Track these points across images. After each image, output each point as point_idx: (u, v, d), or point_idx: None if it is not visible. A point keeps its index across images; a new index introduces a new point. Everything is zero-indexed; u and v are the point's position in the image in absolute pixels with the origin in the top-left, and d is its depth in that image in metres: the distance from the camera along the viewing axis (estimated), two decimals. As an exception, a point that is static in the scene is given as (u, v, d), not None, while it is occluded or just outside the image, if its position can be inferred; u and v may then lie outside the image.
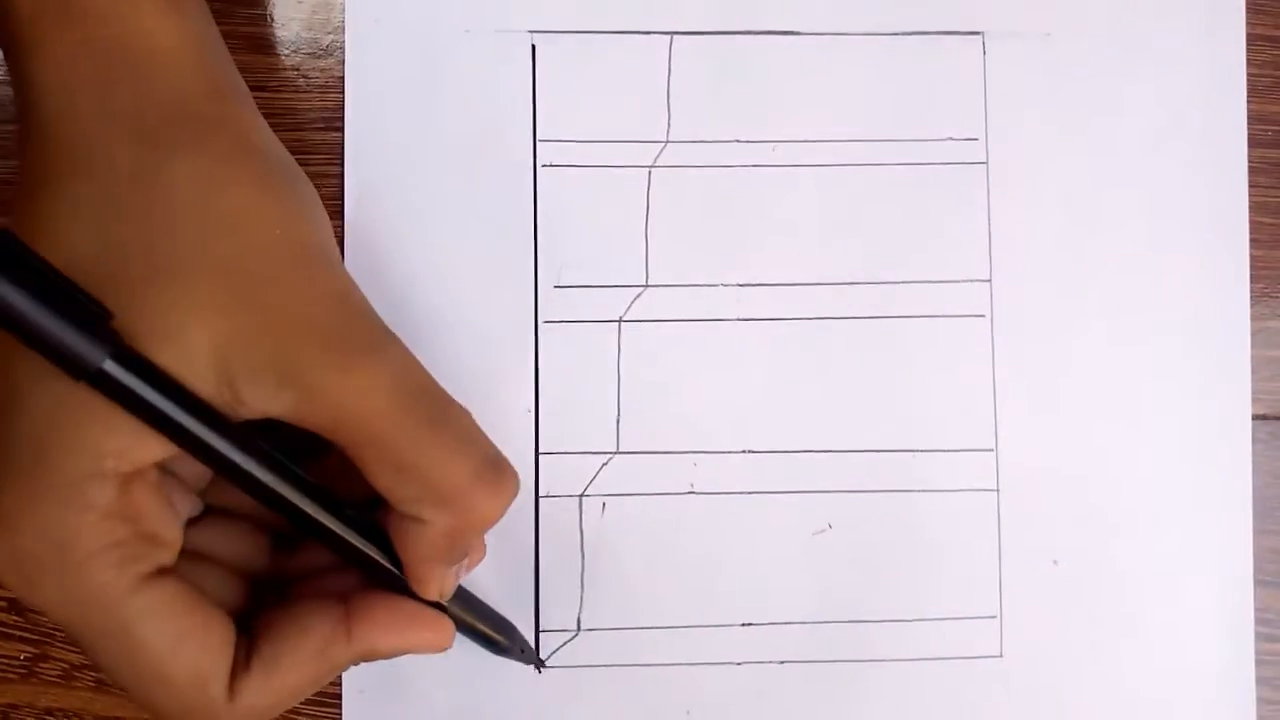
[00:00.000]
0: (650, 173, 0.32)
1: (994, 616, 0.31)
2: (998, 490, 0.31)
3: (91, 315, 0.21)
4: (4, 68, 0.30)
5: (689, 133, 0.32)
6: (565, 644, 0.31)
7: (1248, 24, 0.32)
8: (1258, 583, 0.32)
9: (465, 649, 0.30)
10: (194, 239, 0.22)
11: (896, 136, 0.32)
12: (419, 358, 0.24)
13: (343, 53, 0.31)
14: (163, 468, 0.23)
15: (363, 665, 0.30)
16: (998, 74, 0.32)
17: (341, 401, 0.22)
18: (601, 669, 0.31)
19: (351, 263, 0.31)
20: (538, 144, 0.31)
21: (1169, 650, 0.31)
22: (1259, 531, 0.32)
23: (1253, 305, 0.32)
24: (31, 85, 0.23)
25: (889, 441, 0.31)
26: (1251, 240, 0.32)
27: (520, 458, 0.31)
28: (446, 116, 0.31)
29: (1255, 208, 0.32)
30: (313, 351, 0.22)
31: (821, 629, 0.31)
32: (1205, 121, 0.32)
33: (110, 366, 0.21)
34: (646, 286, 0.31)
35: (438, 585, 0.25)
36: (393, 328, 0.24)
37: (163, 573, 0.23)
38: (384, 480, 0.23)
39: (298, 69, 0.31)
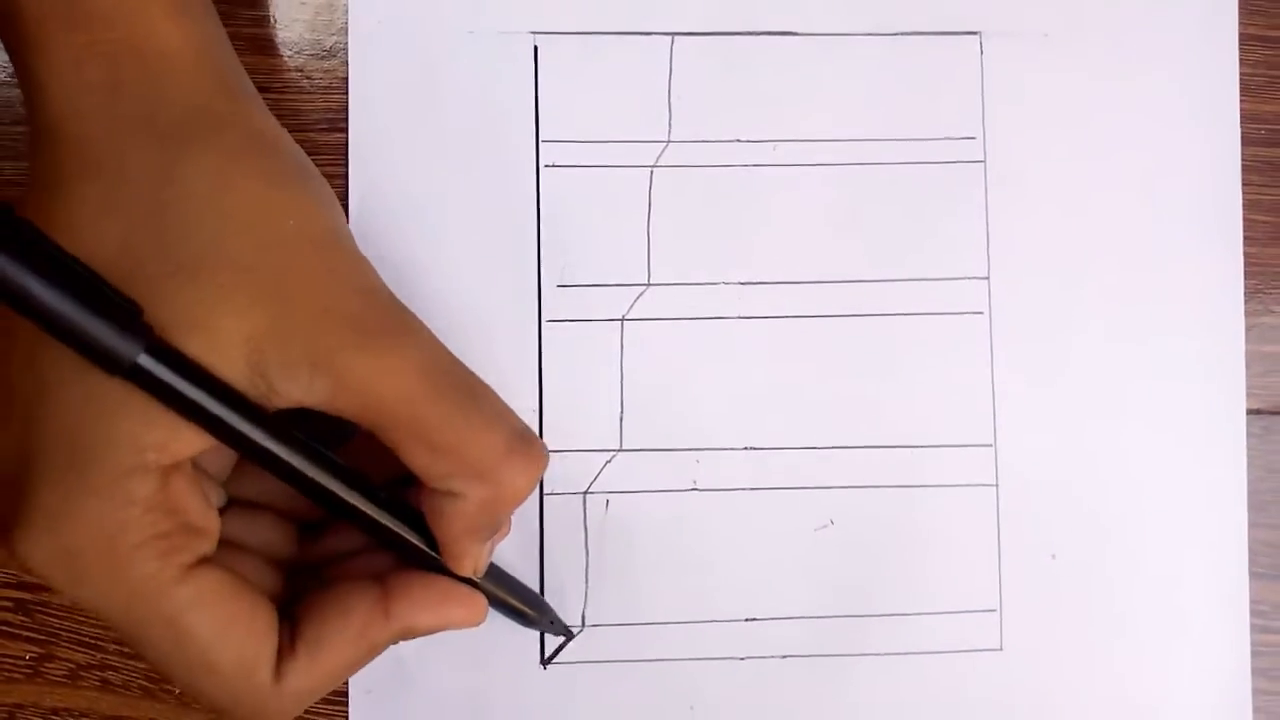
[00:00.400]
0: (652, 172, 0.32)
1: (994, 610, 0.32)
2: (997, 485, 0.32)
3: (122, 310, 0.21)
4: (11, 69, 0.30)
5: (690, 133, 0.32)
6: (569, 640, 0.31)
7: (1241, 24, 0.33)
8: (1253, 575, 0.32)
9: (470, 648, 0.31)
10: (211, 236, 0.22)
11: (895, 135, 0.32)
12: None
13: (346, 54, 0.31)
14: (194, 460, 0.23)
15: (368, 665, 0.31)
16: (995, 73, 0.32)
17: (374, 386, 0.23)
18: (606, 665, 0.31)
19: (355, 263, 0.31)
20: (540, 144, 0.32)
21: (1166, 642, 0.32)
22: (1253, 525, 0.32)
23: (1247, 301, 0.33)
24: (39, 88, 0.23)
25: (889, 438, 0.32)
26: (1245, 238, 0.33)
27: (524, 456, 0.31)
28: (449, 117, 0.31)
29: (1249, 205, 0.33)
30: (342, 339, 0.23)
31: (823, 624, 0.31)
32: (1200, 120, 0.33)
33: (145, 360, 0.21)
34: (649, 285, 0.32)
35: (472, 561, 0.26)
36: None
37: (205, 562, 0.23)
38: (420, 460, 0.24)
39: (301, 70, 0.32)
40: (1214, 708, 0.32)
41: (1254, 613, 0.32)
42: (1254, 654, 0.32)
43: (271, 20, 0.32)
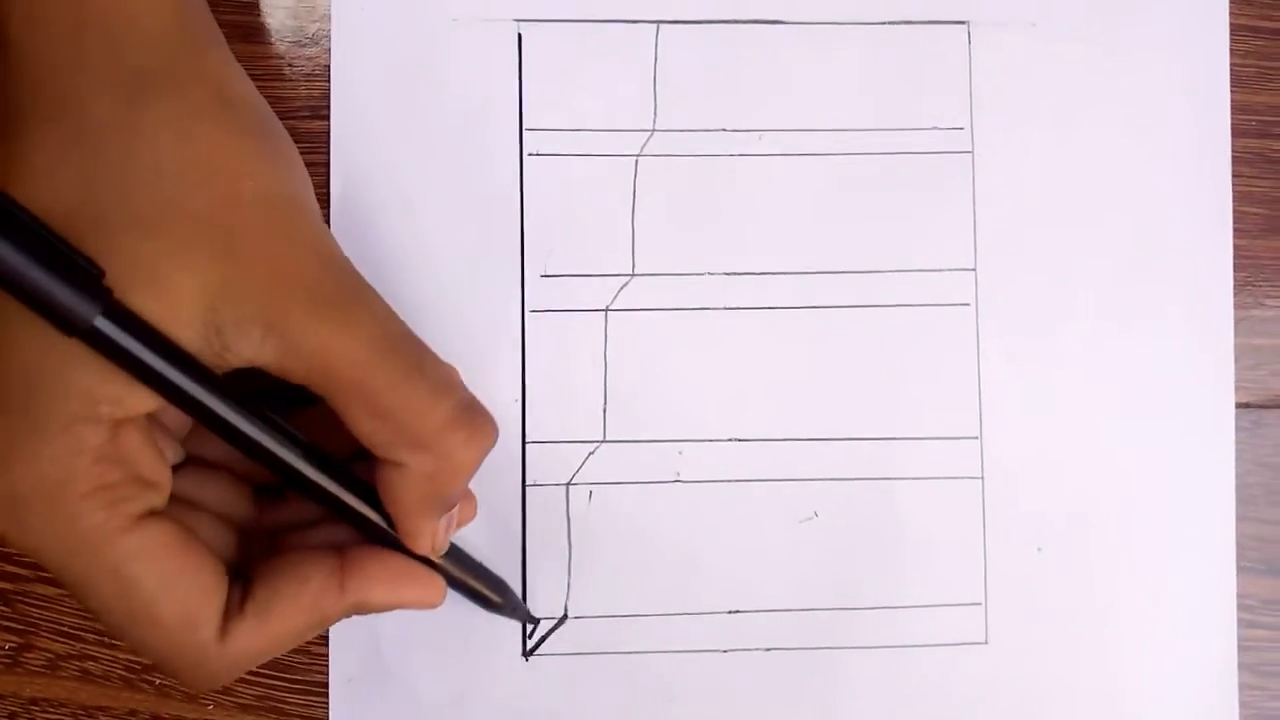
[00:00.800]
0: (637, 162, 0.32)
1: (979, 603, 0.31)
2: (982, 478, 0.32)
3: (82, 271, 0.21)
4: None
5: (675, 122, 0.32)
6: (552, 631, 0.31)
7: (1231, 14, 0.33)
8: (1240, 569, 0.32)
9: (452, 635, 0.31)
10: (170, 190, 0.22)
11: (882, 125, 0.32)
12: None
13: (329, 41, 0.31)
14: (152, 415, 0.23)
15: (350, 653, 0.31)
16: (983, 63, 0.32)
17: (323, 350, 0.23)
18: (588, 656, 0.31)
19: (337, 252, 0.31)
20: (524, 133, 0.31)
21: (1153, 636, 0.32)
22: (1241, 519, 0.32)
23: (1236, 294, 0.32)
24: (2, 31, 0.23)
25: (874, 430, 0.32)
26: (1236, 230, 0.32)
27: (507, 447, 0.31)
28: (432, 105, 0.31)
29: (1239, 197, 0.33)
30: (294, 301, 0.23)
31: (807, 616, 0.31)
32: (1190, 111, 0.32)
33: (102, 323, 0.21)
34: (633, 276, 0.32)
35: (429, 539, 0.26)
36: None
37: (154, 515, 0.23)
38: (364, 426, 0.24)
39: (283, 57, 0.31)
40: (1200, 702, 0.32)
41: (1241, 607, 0.32)
42: (1241, 648, 0.32)
43: (254, 6, 0.31)
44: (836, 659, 0.31)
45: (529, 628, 0.31)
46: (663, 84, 0.32)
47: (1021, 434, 0.32)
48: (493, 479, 0.31)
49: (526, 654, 0.31)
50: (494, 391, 0.31)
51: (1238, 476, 0.32)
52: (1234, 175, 0.33)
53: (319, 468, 0.25)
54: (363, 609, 0.26)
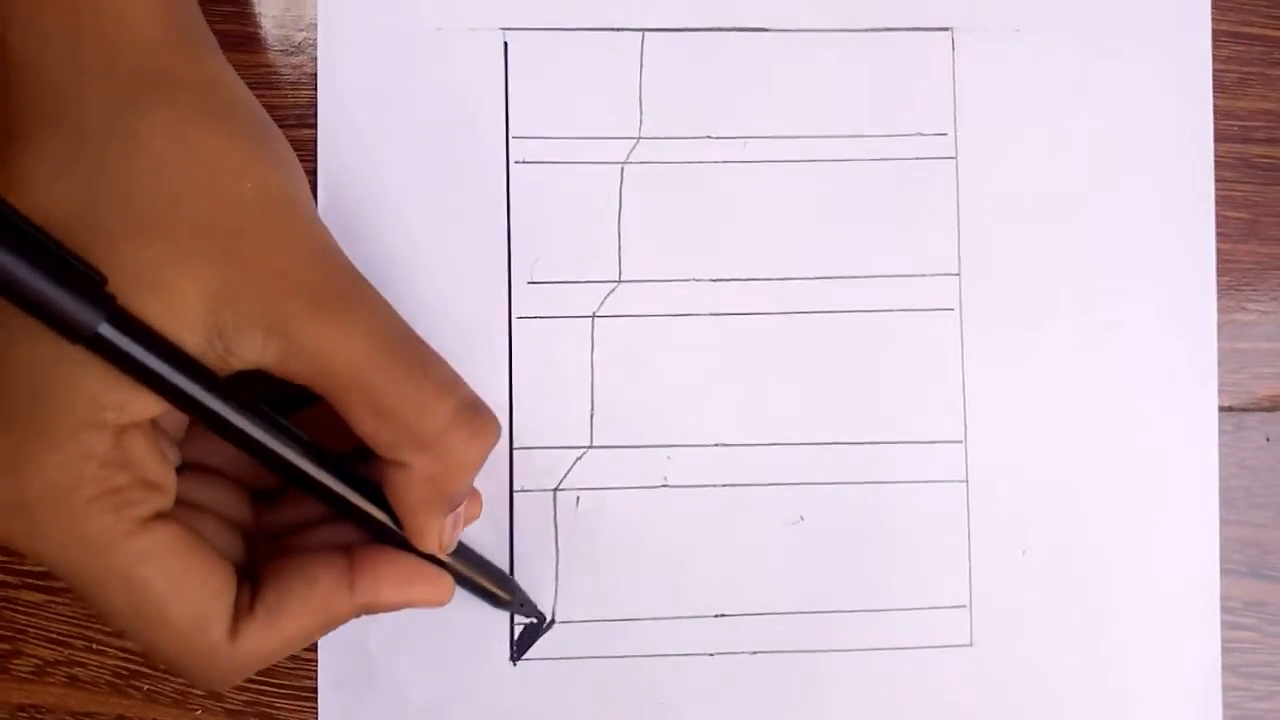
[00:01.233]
0: (623, 169, 0.32)
1: (964, 606, 0.32)
2: (967, 481, 0.32)
3: (85, 279, 0.21)
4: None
5: (661, 129, 0.32)
6: (539, 636, 0.31)
7: (1213, 20, 0.33)
8: (1224, 572, 0.32)
9: (440, 640, 0.31)
10: (169, 194, 0.22)
11: (867, 132, 0.32)
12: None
13: (315, 49, 0.31)
14: (153, 419, 0.23)
15: (339, 658, 0.31)
16: (967, 69, 0.32)
17: (325, 350, 0.23)
18: (576, 661, 0.31)
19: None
20: (510, 141, 0.31)
21: (1137, 638, 0.32)
22: (1225, 521, 0.32)
23: (1219, 298, 0.33)
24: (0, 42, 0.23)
25: (860, 434, 0.32)
26: (1218, 234, 0.33)
27: (495, 453, 0.31)
28: (419, 113, 0.31)
29: (1221, 202, 0.33)
30: (296, 304, 0.23)
31: (794, 619, 0.31)
32: (1172, 117, 0.33)
33: (106, 330, 0.21)
34: (620, 282, 0.32)
35: (436, 538, 0.26)
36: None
37: (161, 517, 0.23)
38: (366, 426, 0.24)
39: (270, 66, 0.32)
40: (1184, 703, 0.32)
41: (1225, 609, 0.32)
42: (1225, 650, 0.32)
43: (241, 15, 0.32)
44: (823, 661, 0.31)
45: (517, 631, 0.31)
46: (648, 91, 0.32)
47: (1006, 438, 0.32)
48: (480, 484, 0.31)
49: (514, 659, 0.31)
50: (482, 397, 0.31)
51: (1221, 479, 0.32)
52: (1216, 180, 0.33)
53: (326, 469, 0.25)
54: (372, 608, 0.26)
